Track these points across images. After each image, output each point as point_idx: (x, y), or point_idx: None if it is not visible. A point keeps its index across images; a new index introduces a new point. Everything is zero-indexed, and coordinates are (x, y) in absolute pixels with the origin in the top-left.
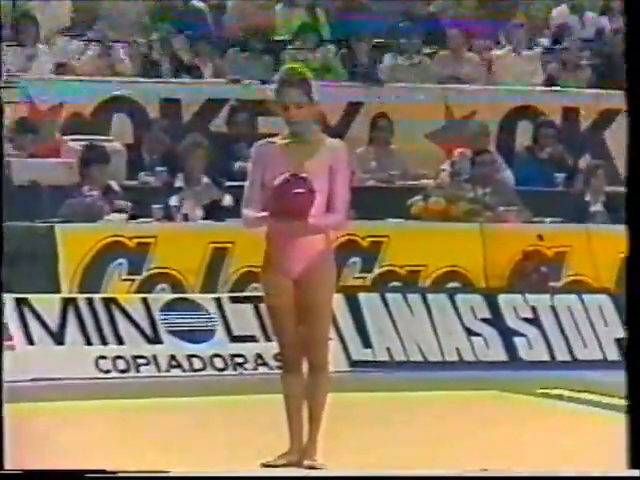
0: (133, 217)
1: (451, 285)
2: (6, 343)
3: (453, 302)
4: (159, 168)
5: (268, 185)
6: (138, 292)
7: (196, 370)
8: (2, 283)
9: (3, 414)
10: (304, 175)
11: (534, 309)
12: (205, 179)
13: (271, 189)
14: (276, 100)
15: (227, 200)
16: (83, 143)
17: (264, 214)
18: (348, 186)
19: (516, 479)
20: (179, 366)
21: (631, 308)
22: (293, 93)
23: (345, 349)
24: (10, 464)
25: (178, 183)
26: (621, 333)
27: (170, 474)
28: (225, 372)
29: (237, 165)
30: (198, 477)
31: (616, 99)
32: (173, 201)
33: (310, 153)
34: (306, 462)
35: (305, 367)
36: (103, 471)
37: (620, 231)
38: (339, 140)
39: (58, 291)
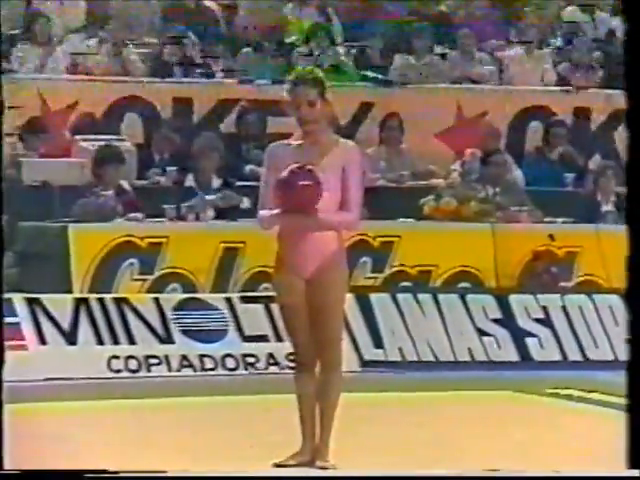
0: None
1: (462, 285)
2: (19, 343)
3: (464, 302)
4: (170, 168)
5: None
6: (150, 292)
7: (208, 370)
8: (2, 284)
9: (3, 414)
10: (310, 167)
11: (545, 309)
12: (216, 180)
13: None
14: (289, 98)
15: (245, 204)
16: (95, 143)
17: (276, 212)
18: (361, 187)
19: (517, 479)
20: (191, 366)
21: (632, 308)
22: (306, 91)
23: (357, 349)
24: (17, 463)
25: (188, 183)
26: None
27: (171, 474)
28: (237, 372)
29: (248, 168)
30: (198, 477)
31: None
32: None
33: (323, 154)
34: (318, 462)
35: (318, 367)
36: (103, 471)
37: None
38: (352, 141)
39: (70, 291)
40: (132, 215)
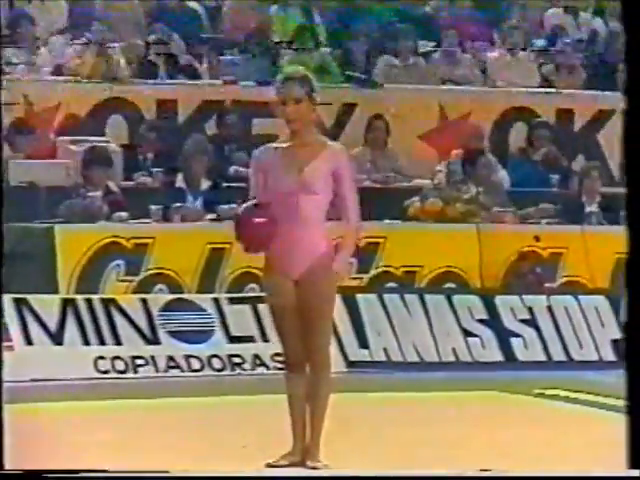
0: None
1: (447, 286)
2: (5, 344)
3: (450, 303)
4: (156, 169)
5: (271, 189)
6: (135, 293)
7: (194, 370)
8: (2, 284)
9: (3, 414)
10: (266, 202)
11: (530, 310)
12: (205, 182)
13: (235, 217)
14: (276, 96)
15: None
16: (81, 144)
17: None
18: (355, 189)
19: (516, 479)
20: (177, 367)
21: (631, 308)
22: (293, 89)
23: (342, 350)
24: (10, 464)
25: (178, 184)
26: (617, 333)
27: (170, 474)
28: (223, 372)
29: (232, 169)
30: (198, 477)
31: (610, 100)
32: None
33: (310, 156)
34: (309, 463)
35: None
36: (103, 471)
37: (615, 232)
38: (339, 144)
39: (56, 292)
40: (116, 215)
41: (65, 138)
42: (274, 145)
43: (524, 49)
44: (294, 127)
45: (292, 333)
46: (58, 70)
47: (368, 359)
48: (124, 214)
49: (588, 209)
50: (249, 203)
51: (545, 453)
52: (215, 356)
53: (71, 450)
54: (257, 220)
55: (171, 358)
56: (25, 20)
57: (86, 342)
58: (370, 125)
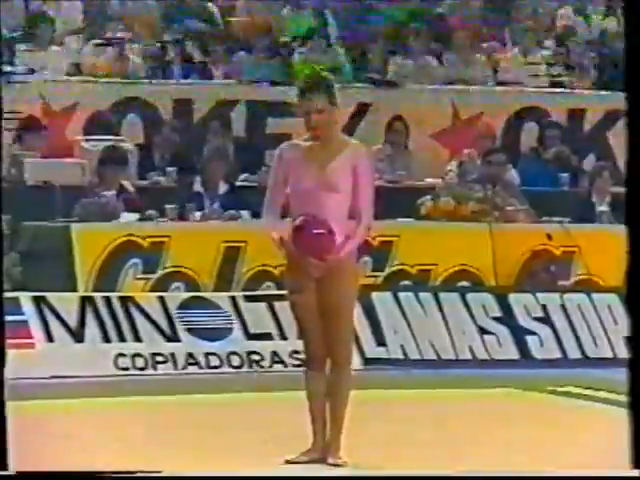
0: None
1: (461, 284)
2: (26, 341)
3: (465, 301)
4: (170, 168)
5: (292, 187)
6: (152, 291)
7: (213, 367)
8: (2, 283)
9: (6, 414)
10: (323, 218)
11: (545, 308)
12: (223, 185)
13: (291, 228)
14: (299, 104)
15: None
16: (98, 144)
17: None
18: (371, 190)
19: (516, 479)
20: (196, 364)
21: (632, 307)
22: (316, 99)
23: (359, 347)
24: (26, 461)
25: (196, 187)
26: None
27: (170, 474)
28: (241, 369)
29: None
30: (198, 477)
31: (620, 100)
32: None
33: (333, 155)
34: (330, 459)
35: (328, 365)
36: (103, 472)
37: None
38: (362, 143)
39: (74, 290)
40: (130, 215)
41: (81, 137)
42: (297, 142)
43: (535, 49)
44: (317, 134)
45: (313, 330)
46: (74, 69)
47: (385, 356)
48: (137, 215)
49: (599, 208)
50: (308, 216)
51: (560, 451)
52: (234, 353)
53: (89, 447)
54: (316, 231)
55: (190, 355)
56: (42, 19)
57: (106, 339)
58: (391, 126)
